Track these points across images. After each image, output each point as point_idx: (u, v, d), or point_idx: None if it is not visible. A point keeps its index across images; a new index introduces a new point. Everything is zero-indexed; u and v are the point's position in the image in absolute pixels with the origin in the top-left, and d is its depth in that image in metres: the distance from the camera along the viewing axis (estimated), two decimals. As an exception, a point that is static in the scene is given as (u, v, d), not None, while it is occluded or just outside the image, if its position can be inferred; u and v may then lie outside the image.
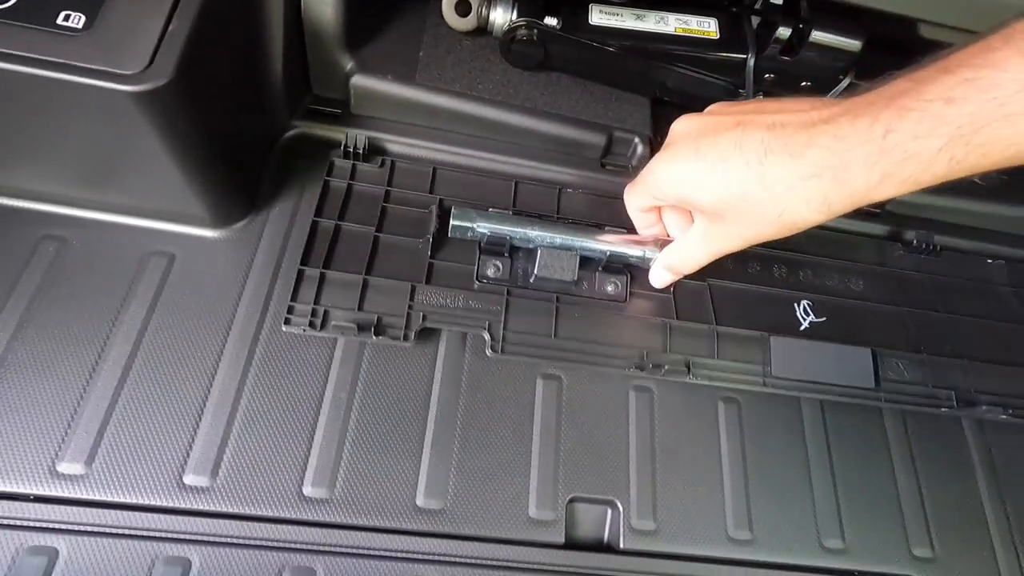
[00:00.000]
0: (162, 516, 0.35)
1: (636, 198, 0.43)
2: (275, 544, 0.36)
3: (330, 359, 0.41)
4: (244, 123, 0.44)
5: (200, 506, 0.36)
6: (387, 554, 0.37)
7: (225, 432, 0.38)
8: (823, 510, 0.43)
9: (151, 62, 0.32)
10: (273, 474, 0.37)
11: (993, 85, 0.27)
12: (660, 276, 0.45)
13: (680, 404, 0.45)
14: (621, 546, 0.39)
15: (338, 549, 0.36)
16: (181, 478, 0.36)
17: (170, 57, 0.33)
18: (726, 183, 0.34)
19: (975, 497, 0.45)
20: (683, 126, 0.38)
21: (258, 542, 0.36)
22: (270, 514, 0.37)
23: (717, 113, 0.37)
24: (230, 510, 0.36)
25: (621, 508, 0.40)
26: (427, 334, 0.43)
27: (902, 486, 0.44)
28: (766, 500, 0.42)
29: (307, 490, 0.37)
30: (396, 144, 0.49)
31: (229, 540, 0.35)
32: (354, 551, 0.36)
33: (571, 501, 0.40)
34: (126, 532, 0.35)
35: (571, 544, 0.39)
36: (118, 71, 0.32)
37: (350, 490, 0.38)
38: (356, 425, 0.40)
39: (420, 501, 0.38)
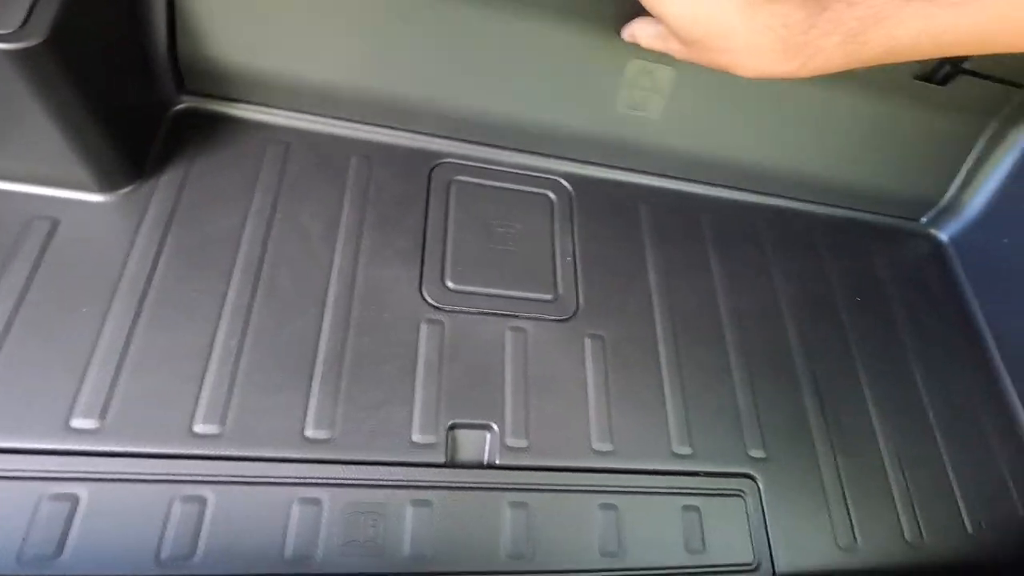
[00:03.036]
0: (47, 458, 0.37)
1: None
2: (164, 478, 0.38)
3: (219, 311, 0.44)
4: (128, 91, 0.46)
5: (87, 447, 0.38)
6: (277, 480, 0.40)
7: (113, 378, 0.40)
8: (675, 423, 0.49)
9: (25, 22, 0.35)
10: (162, 414, 0.39)
11: None
12: (634, 30, 0.47)
13: (551, 341, 0.50)
14: (497, 462, 0.44)
15: (228, 479, 0.39)
16: (68, 422, 0.38)
17: (44, 18, 0.35)
18: (706, 19, 0.37)
19: (801, 408, 0.53)
20: None
21: (146, 477, 0.38)
22: (158, 450, 0.39)
23: None
24: (118, 449, 0.38)
25: (497, 429, 0.45)
26: (316, 279, 0.47)
27: (741, 400, 0.52)
28: (626, 417, 0.48)
29: (197, 427, 0.40)
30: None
31: (116, 476, 0.37)
32: (244, 479, 0.39)
33: (452, 427, 0.45)
34: (11, 475, 0.36)
35: (451, 463, 0.43)
36: (-9, 29, 0.34)
37: (241, 425, 0.41)
38: (246, 367, 0.42)
39: (309, 432, 0.42)
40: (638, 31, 0.46)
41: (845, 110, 0.59)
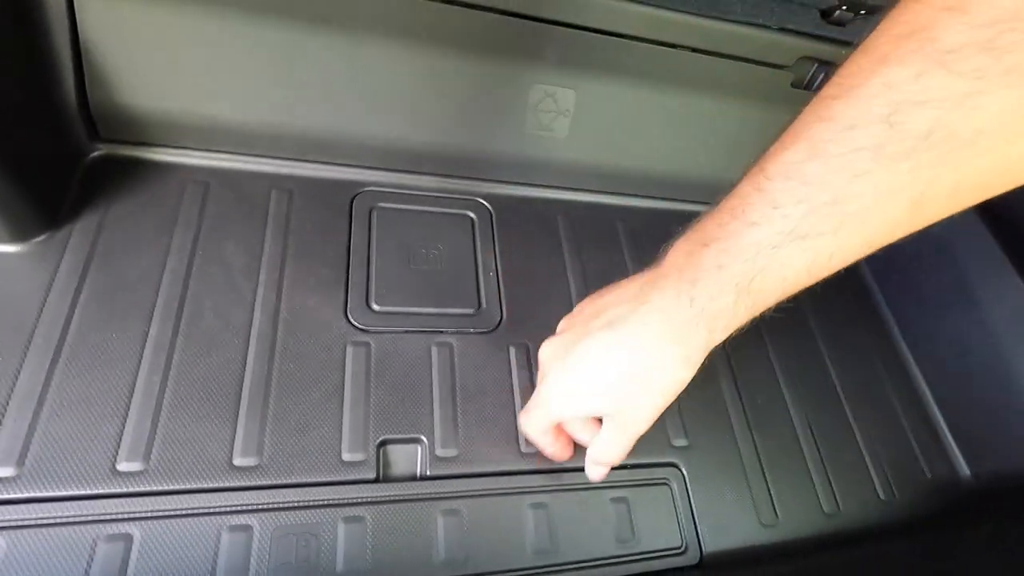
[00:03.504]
0: (-38, 510, 0.36)
1: (537, 423, 0.44)
2: (86, 519, 0.38)
3: (141, 350, 0.44)
4: (36, 143, 0.47)
5: (3, 495, 0.37)
6: (204, 511, 0.40)
7: (31, 425, 0.40)
8: (599, 421, 0.52)
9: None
10: (83, 456, 0.40)
11: (740, 251, 0.31)
12: (596, 472, 0.46)
13: (476, 353, 0.52)
14: (428, 473, 0.45)
15: (154, 514, 0.39)
16: None
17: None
18: (609, 381, 0.38)
19: (719, 395, 0.57)
20: (547, 352, 0.43)
21: (68, 520, 0.38)
22: (80, 492, 0.39)
23: (568, 328, 0.43)
24: (37, 494, 0.38)
25: (426, 442, 0.47)
26: (240, 311, 0.48)
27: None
28: (552, 419, 0.50)
29: (121, 466, 0.40)
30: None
31: (36, 522, 0.37)
32: (171, 513, 0.39)
33: (381, 444, 0.46)
34: (-79, 531, 0.35)
35: (382, 479, 0.45)
36: None
37: (166, 460, 0.41)
38: (170, 402, 0.43)
39: (237, 460, 0.42)
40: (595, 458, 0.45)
41: (734, 119, 0.64)
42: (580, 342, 0.39)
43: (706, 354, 0.37)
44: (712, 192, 0.69)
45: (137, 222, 0.50)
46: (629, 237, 0.65)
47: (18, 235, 0.45)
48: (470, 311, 0.54)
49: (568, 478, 0.48)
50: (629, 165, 0.65)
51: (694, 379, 0.57)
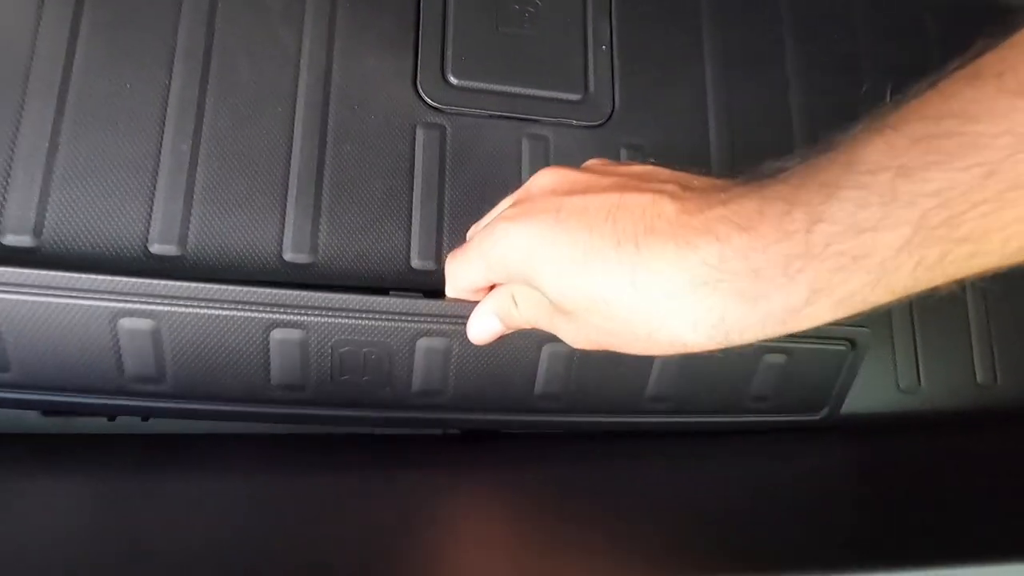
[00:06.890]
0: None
1: (466, 272, 0.30)
2: (110, 299, 0.32)
3: (164, 109, 0.35)
4: None
5: (20, 267, 0.32)
6: (246, 310, 0.34)
7: (43, 189, 0.33)
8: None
9: None
10: (109, 231, 0.33)
11: (970, 145, 0.17)
12: (484, 325, 0.31)
13: (579, 151, 0.41)
14: (513, 292, 0.38)
15: (189, 305, 0.33)
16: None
17: None
18: (585, 275, 0.23)
19: None
20: (545, 179, 0.27)
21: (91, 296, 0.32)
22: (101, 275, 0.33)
23: (595, 170, 0.27)
24: (54, 271, 0.32)
25: (512, 256, 0.38)
26: (282, 70, 0.37)
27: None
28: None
29: (154, 248, 0.33)
30: None
31: (56, 295, 0.31)
32: (207, 307, 0.33)
33: (458, 253, 0.37)
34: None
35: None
36: None
37: (202, 247, 0.34)
38: (205, 179, 0.35)
39: (288, 255, 0.35)
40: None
41: None
42: (599, 194, 0.25)
43: (763, 336, 0.21)
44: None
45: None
46: (792, 10, 0.47)
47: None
48: (574, 96, 0.42)
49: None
50: None
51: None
